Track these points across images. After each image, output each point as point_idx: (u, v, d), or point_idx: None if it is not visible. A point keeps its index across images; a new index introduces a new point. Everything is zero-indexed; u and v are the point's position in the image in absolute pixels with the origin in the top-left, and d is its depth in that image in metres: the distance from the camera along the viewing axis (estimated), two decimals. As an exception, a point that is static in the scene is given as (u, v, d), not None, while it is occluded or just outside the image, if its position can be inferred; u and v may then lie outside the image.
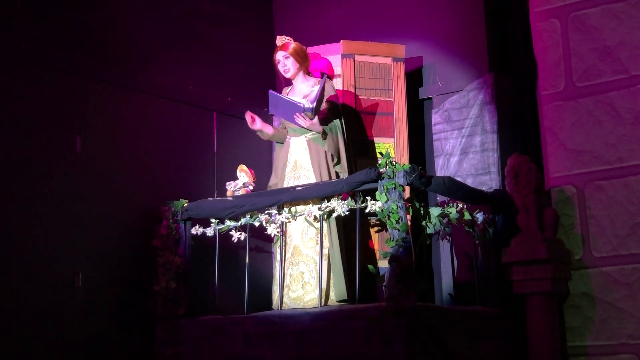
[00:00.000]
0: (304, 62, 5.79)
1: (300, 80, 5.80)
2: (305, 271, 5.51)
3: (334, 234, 5.49)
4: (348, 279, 5.43)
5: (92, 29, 5.74)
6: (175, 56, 6.25)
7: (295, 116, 5.55)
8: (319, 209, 5.29)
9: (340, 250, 5.48)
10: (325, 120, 5.63)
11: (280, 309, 5.44)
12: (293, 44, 5.77)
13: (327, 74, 5.83)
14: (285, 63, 5.76)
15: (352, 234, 5.40)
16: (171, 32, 6.27)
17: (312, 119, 5.57)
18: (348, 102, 6.12)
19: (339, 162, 5.64)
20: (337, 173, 5.66)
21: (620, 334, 5.10)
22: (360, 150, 6.05)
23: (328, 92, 5.72)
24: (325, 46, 6.20)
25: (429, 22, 6.48)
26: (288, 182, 5.71)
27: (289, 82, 5.88)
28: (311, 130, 5.66)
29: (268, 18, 7.07)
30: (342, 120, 5.69)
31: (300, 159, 5.73)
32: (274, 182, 5.80)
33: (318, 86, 5.65)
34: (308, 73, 5.85)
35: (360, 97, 6.16)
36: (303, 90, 5.77)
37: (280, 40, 5.82)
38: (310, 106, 5.55)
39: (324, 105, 5.68)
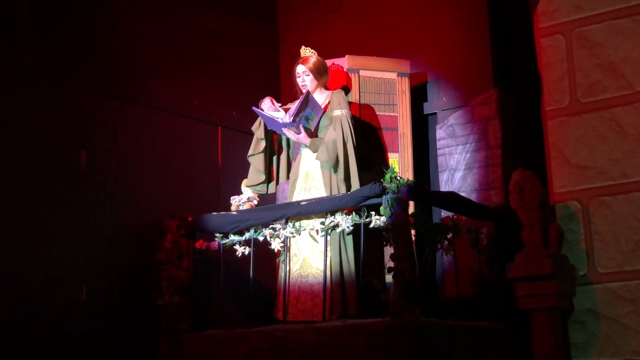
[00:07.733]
0: (322, 78, 5.82)
1: (316, 93, 5.81)
2: (314, 284, 5.49)
3: (346, 247, 5.50)
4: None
5: (97, 43, 5.75)
6: (180, 70, 6.26)
7: (282, 130, 5.59)
8: (322, 223, 5.29)
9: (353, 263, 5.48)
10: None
11: (285, 320, 5.44)
12: (314, 59, 5.79)
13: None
14: (305, 79, 5.78)
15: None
16: (176, 46, 6.28)
17: (297, 133, 5.61)
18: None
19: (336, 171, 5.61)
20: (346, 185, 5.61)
21: (625, 350, 5.09)
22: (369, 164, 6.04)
23: (334, 108, 5.71)
24: (330, 61, 6.21)
25: (433, 37, 6.48)
26: (299, 194, 5.70)
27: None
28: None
29: (273, 32, 7.08)
30: (346, 135, 5.65)
31: (311, 171, 5.72)
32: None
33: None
34: (325, 87, 5.89)
35: (364, 111, 6.16)
36: (318, 102, 5.76)
37: (304, 52, 5.85)
38: (289, 120, 5.57)
39: (327, 123, 5.69)
